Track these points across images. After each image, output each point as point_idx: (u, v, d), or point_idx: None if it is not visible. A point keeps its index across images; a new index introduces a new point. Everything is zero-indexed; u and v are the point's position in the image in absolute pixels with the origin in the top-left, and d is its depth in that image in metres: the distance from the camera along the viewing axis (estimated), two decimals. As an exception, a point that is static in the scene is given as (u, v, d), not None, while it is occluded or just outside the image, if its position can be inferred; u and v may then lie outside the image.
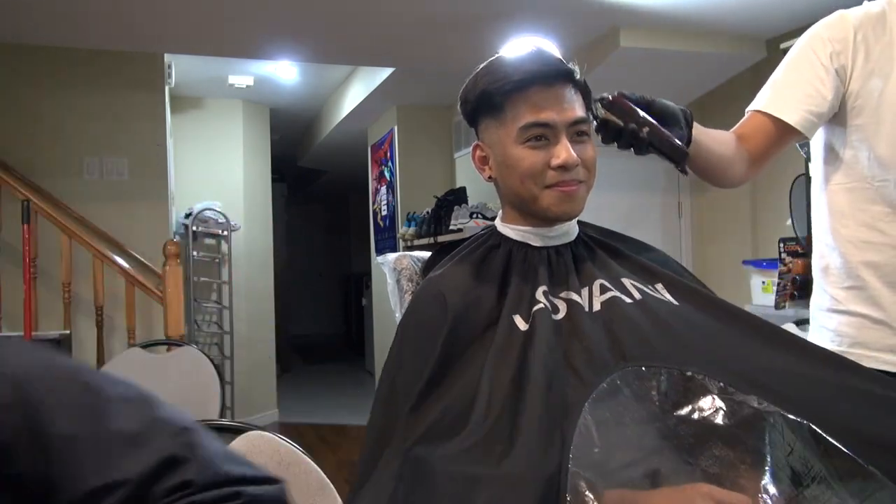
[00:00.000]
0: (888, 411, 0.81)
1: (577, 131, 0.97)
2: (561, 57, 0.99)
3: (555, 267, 0.99)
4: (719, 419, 0.79)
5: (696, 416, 0.79)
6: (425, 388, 0.85)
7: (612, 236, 1.09)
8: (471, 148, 1.07)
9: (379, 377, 0.96)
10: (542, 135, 0.96)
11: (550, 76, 0.96)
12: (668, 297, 0.96)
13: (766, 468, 0.76)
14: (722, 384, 0.81)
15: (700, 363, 0.84)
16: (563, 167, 0.94)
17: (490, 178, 1.05)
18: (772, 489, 0.74)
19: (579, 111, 0.97)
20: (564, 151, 0.94)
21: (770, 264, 2.98)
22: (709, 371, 0.83)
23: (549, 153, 0.95)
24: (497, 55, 1.02)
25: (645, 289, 0.96)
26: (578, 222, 1.06)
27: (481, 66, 1.02)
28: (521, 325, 0.90)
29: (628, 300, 0.93)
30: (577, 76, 0.99)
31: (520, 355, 0.86)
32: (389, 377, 0.93)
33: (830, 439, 0.76)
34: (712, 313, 0.94)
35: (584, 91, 1.00)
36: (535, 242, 1.01)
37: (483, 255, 1.01)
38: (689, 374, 0.82)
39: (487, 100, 0.99)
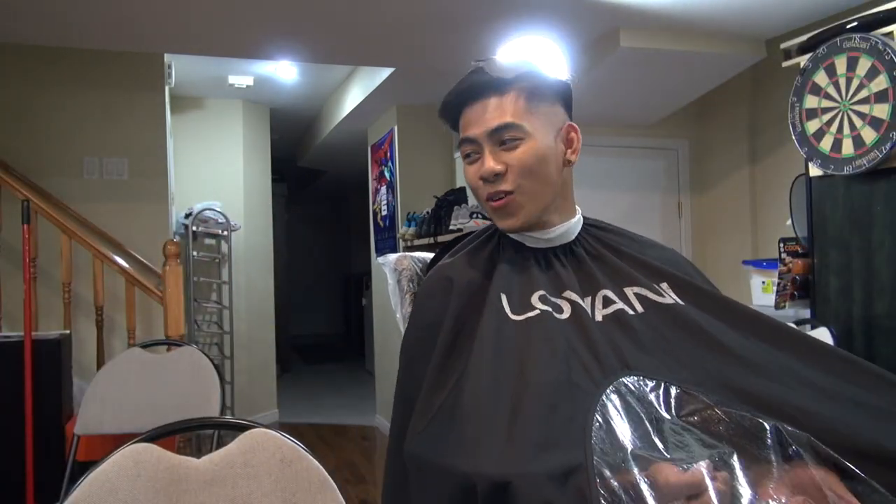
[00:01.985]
0: (884, 421, 0.81)
1: (499, 140, 0.97)
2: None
3: (554, 270, 0.99)
4: (722, 429, 0.80)
5: (700, 426, 0.80)
6: (428, 386, 0.86)
7: (618, 233, 1.09)
8: None
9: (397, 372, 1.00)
10: (471, 151, 1.00)
11: (477, 91, 0.99)
12: (673, 295, 0.97)
13: (773, 471, 0.76)
14: (720, 400, 0.82)
15: (699, 377, 0.85)
16: (484, 178, 0.98)
17: None
18: (779, 493, 0.75)
19: (501, 118, 0.96)
20: (483, 164, 0.98)
21: (770, 264, 2.98)
22: (708, 387, 0.84)
23: (479, 166, 1.00)
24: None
25: (648, 294, 0.96)
26: (585, 218, 1.07)
27: None
28: (507, 308, 0.93)
29: (631, 312, 0.94)
30: (508, 75, 0.97)
31: (515, 345, 0.87)
32: (408, 371, 0.98)
33: (828, 450, 0.77)
34: (717, 313, 0.95)
35: (529, 86, 0.98)
36: (529, 243, 1.03)
37: (479, 246, 1.06)
38: (690, 392, 0.84)
39: (448, 123, 1.06)
